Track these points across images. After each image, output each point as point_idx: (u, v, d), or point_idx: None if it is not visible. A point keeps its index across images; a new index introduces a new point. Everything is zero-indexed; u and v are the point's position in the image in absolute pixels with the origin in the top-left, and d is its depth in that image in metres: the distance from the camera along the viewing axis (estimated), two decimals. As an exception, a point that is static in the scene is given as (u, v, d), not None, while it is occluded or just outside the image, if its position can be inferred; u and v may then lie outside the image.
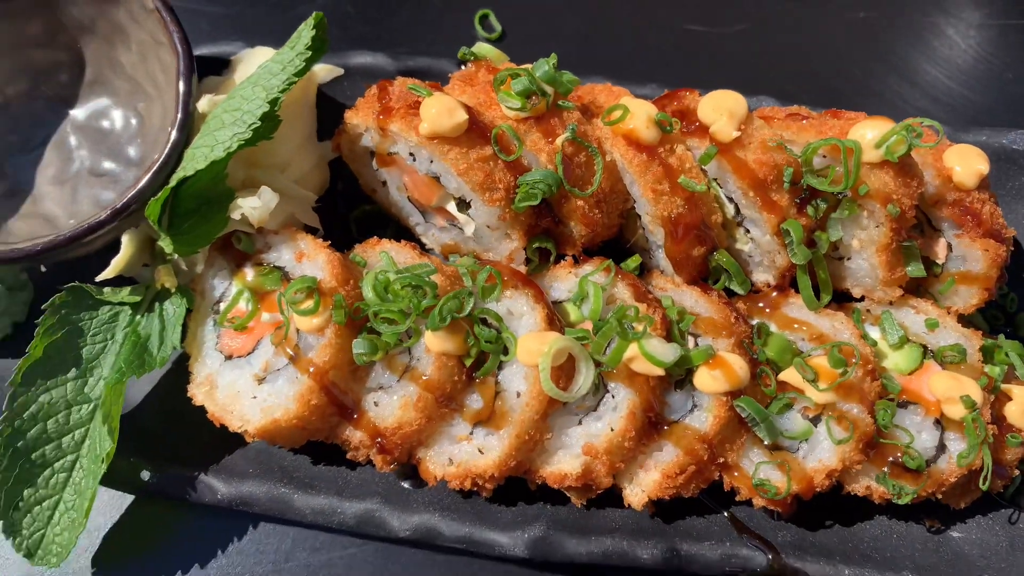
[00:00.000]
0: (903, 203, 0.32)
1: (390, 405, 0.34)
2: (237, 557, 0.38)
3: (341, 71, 0.40)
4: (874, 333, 0.36)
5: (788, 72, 0.42)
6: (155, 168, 0.34)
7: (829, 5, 0.44)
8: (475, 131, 0.33)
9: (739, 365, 0.32)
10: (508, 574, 0.38)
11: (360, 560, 0.37)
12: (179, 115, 0.35)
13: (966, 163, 0.35)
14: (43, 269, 0.41)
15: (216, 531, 0.38)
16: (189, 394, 0.36)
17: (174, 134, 0.35)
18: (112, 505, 0.38)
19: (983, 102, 0.44)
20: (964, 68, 0.44)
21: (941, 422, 0.35)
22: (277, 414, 0.34)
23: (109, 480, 0.36)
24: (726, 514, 0.36)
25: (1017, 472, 0.36)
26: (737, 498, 0.34)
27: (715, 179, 0.34)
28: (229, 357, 0.35)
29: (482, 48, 0.36)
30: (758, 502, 0.33)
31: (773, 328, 0.34)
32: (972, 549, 0.36)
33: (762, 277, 0.36)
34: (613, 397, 0.33)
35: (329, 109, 0.39)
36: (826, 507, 0.36)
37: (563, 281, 0.35)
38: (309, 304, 0.33)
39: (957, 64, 0.44)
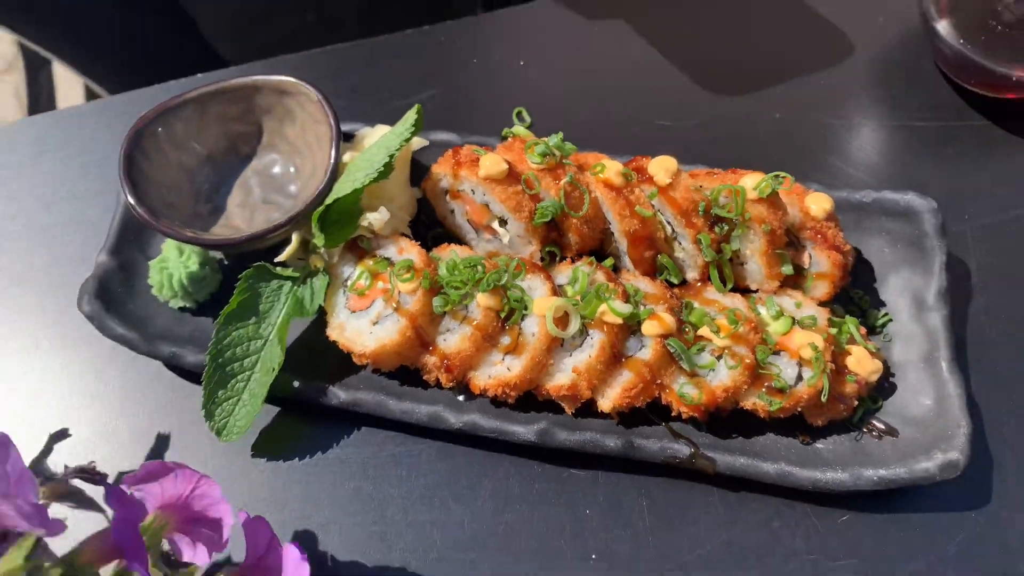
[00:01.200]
0: (773, 224, 0.50)
1: (454, 340, 0.51)
2: (348, 448, 0.54)
3: (427, 143, 0.60)
4: (761, 310, 0.53)
5: (723, 149, 0.60)
6: (315, 195, 0.53)
7: (758, 104, 0.62)
8: (512, 176, 0.52)
9: (670, 319, 0.49)
10: (522, 465, 0.53)
11: (427, 452, 0.54)
12: (331, 165, 0.54)
13: (818, 203, 0.54)
14: (226, 262, 0.59)
15: (335, 430, 0.55)
16: (327, 334, 0.53)
17: (328, 176, 0.54)
18: (267, 412, 0.55)
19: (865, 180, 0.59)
20: (860, 159, 0.61)
21: (799, 363, 0.51)
22: (384, 343, 0.52)
23: (273, 387, 0.53)
24: (664, 424, 0.52)
25: (856, 403, 0.52)
26: (671, 414, 0.50)
27: (658, 210, 0.53)
28: (353, 311, 0.53)
29: (517, 129, 0.56)
30: (684, 411, 0.49)
31: (696, 304, 0.52)
32: (828, 454, 0.52)
33: (691, 275, 0.53)
34: (591, 337, 0.51)
35: (418, 166, 0.58)
36: (730, 424, 0.51)
37: (563, 272, 0.53)
38: (407, 276, 0.52)
39: (851, 154, 0.61)
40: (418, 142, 0.57)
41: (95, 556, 0.32)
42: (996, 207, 0.60)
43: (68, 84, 1.43)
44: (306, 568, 0.39)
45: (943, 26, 0.60)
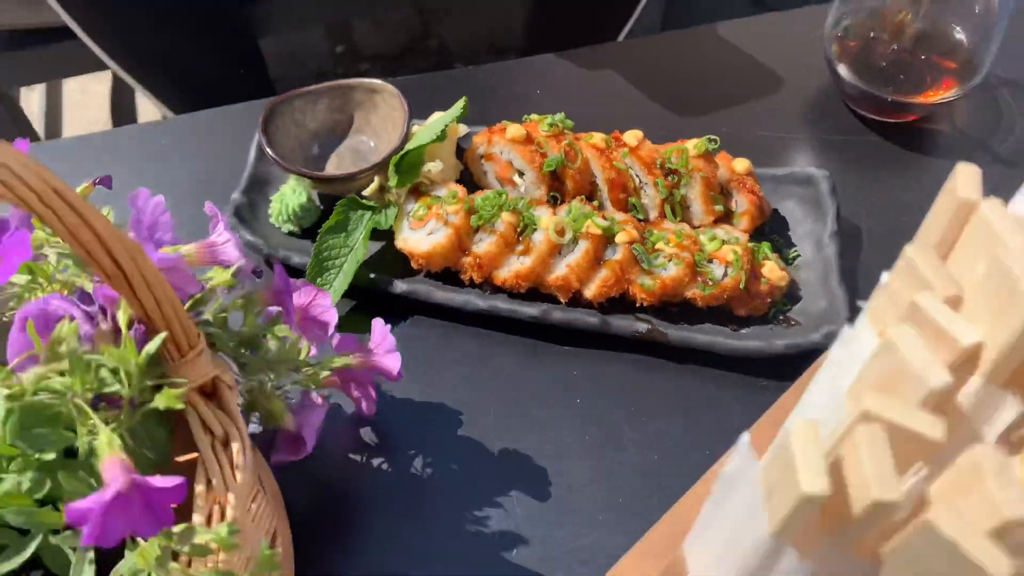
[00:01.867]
0: (708, 173, 0.72)
1: (484, 245, 0.72)
2: (404, 328, 0.73)
3: (468, 130, 0.84)
4: (701, 237, 0.74)
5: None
6: (392, 151, 0.76)
7: (711, 122, 0.86)
8: (528, 140, 0.76)
9: (635, 232, 0.70)
10: (529, 342, 0.72)
11: (459, 332, 0.73)
12: (404, 132, 0.77)
13: (741, 164, 0.75)
14: (321, 206, 0.81)
15: (393, 319, 0.75)
16: (395, 245, 0.74)
17: (401, 140, 0.77)
18: (345, 305, 0.76)
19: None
20: (783, 157, 0.82)
21: (726, 265, 0.71)
22: (435, 246, 0.72)
23: (355, 277, 0.73)
24: (631, 315, 0.71)
25: (770, 301, 0.71)
26: (636, 305, 0.70)
27: (629, 166, 0.75)
28: (414, 229, 0.75)
29: (534, 115, 0.80)
30: (644, 299, 0.69)
31: (655, 231, 0.73)
32: (750, 333, 0.71)
33: (652, 215, 0.75)
34: (579, 245, 0.72)
35: (459, 149, 0.81)
36: (678, 316, 0.70)
37: (561, 209, 0.75)
38: (454, 201, 0.74)
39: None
40: (462, 129, 0.81)
41: (263, 302, 0.53)
42: (886, 191, 0.82)
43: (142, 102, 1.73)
44: (387, 330, 0.58)
45: (843, 69, 0.84)
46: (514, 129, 0.73)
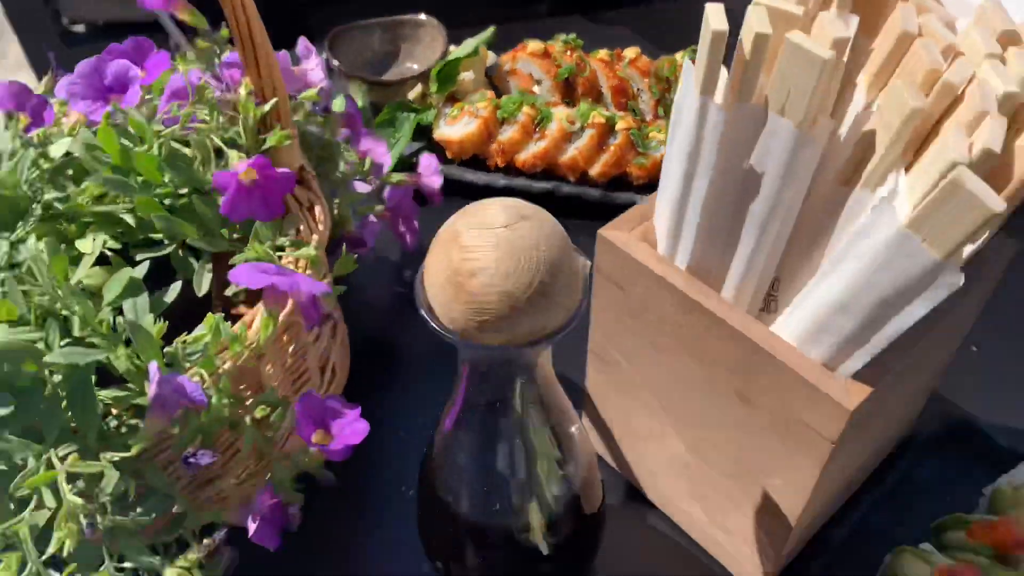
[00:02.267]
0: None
1: (508, 132, 0.87)
2: (435, 207, 0.88)
3: (495, 57, 1.00)
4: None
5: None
6: (434, 63, 0.93)
7: None
8: (546, 55, 0.91)
9: (632, 121, 0.85)
10: None
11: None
12: (444, 50, 0.94)
13: None
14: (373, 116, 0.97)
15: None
16: (433, 136, 0.90)
17: (441, 56, 0.94)
18: None
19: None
20: None
21: None
22: (467, 133, 0.88)
23: (399, 162, 0.88)
24: (630, 193, 0.85)
25: None
26: (632, 184, 0.84)
27: (629, 76, 0.91)
28: (449, 125, 0.90)
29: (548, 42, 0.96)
30: (639, 177, 0.83)
31: (649, 127, 0.88)
32: None
33: (648, 116, 0.90)
34: (585, 132, 0.87)
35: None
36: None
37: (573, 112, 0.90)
38: (483, 101, 0.89)
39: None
40: (490, 57, 0.97)
41: (339, 122, 0.68)
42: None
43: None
44: (433, 158, 0.73)
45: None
46: (534, 44, 0.89)
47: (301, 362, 0.51)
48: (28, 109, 0.56)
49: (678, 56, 0.86)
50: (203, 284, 0.51)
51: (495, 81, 0.94)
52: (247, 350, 0.42)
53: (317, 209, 0.59)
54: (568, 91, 0.90)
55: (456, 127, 0.87)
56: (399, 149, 0.85)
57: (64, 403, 0.36)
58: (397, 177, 0.70)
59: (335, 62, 0.89)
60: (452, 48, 0.93)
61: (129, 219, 0.50)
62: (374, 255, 0.77)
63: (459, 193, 0.88)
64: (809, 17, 0.37)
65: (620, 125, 0.84)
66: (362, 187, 0.68)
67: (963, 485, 0.61)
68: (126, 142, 0.51)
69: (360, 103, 0.90)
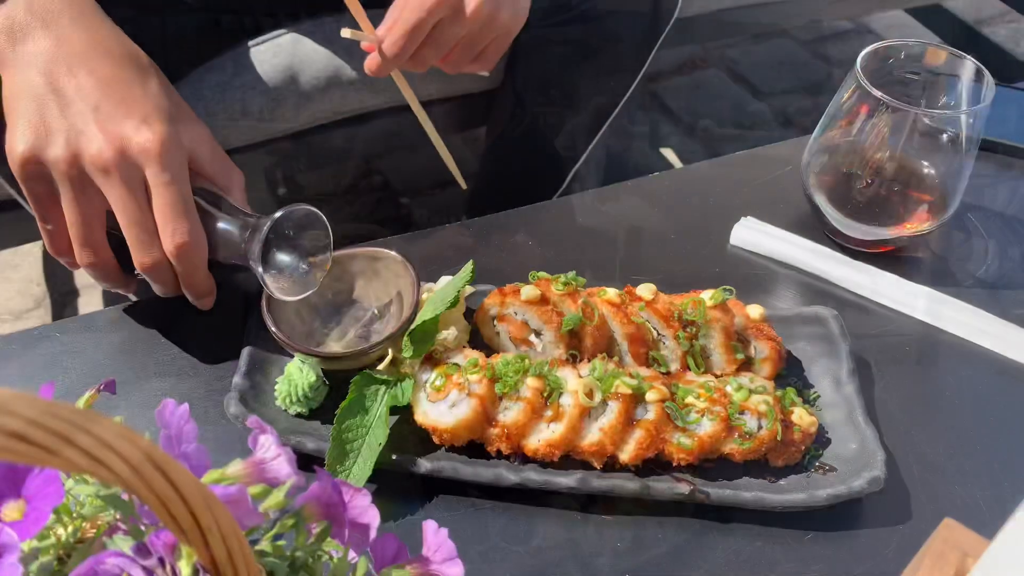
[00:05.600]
0: (726, 322, 0.72)
1: (511, 414, 0.68)
2: (429, 510, 0.67)
3: (473, 290, 0.82)
4: (727, 388, 0.73)
5: (683, 288, 0.84)
6: (405, 322, 0.74)
7: (704, 263, 0.85)
8: (543, 300, 0.74)
9: (665, 389, 0.69)
10: (564, 515, 0.67)
11: (491, 509, 0.68)
12: (415, 302, 0.74)
13: (754, 310, 0.76)
14: (327, 383, 0.77)
15: (418, 500, 0.70)
16: (415, 420, 0.70)
17: (413, 310, 0.74)
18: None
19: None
20: (778, 292, 0.84)
21: (758, 417, 0.70)
22: (460, 419, 0.68)
23: (377, 461, 0.68)
24: (668, 473, 0.69)
25: (804, 448, 0.70)
26: (673, 465, 0.68)
27: (646, 319, 0.75)
28: (433, 402, 0.71)
29: (541, 273, 0.79)
30: (681, 459, 0.67)
31: (680, 384, 0.72)
32: (789, 486, 0.69)
33: (674, 367, 0.74)
34: (610, 406, 0.70)
35: (467, 308, 0.79)
36: (715, 472, 0.68)
37: (584, 367, 0.74)
38: (475, 369, 0.71)
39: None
40: (467, 289, 0.79)
41: (314, 516, 0.49)
42: (880, 320, 0.84)
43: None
44: (444, 534, 0.54)
45: (822, 203, 0.87)
46: (529, 290, 0.72)
47: None
48: None
49: (706, 295, 0.71)
50: None
51: (478, 324, 0.77)
52: None
53: None
54: (574, 340, 0.73)
55: (443, 407, 0.68)
56: (373, 453, 0.66)
57: None
58: (402, 576, 0.51)
59: (277, 331, 0.69)
60: (424, 288, 0.75)
61: None
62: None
63: (455, 491, 0.69)
64: None
65: (652, 396, 0.67)
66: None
67: None
68: None
69: (308, 381, 0.70)
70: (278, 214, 0.69)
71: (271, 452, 0.47)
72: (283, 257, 0.73)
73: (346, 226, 1.71)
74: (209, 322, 0.79)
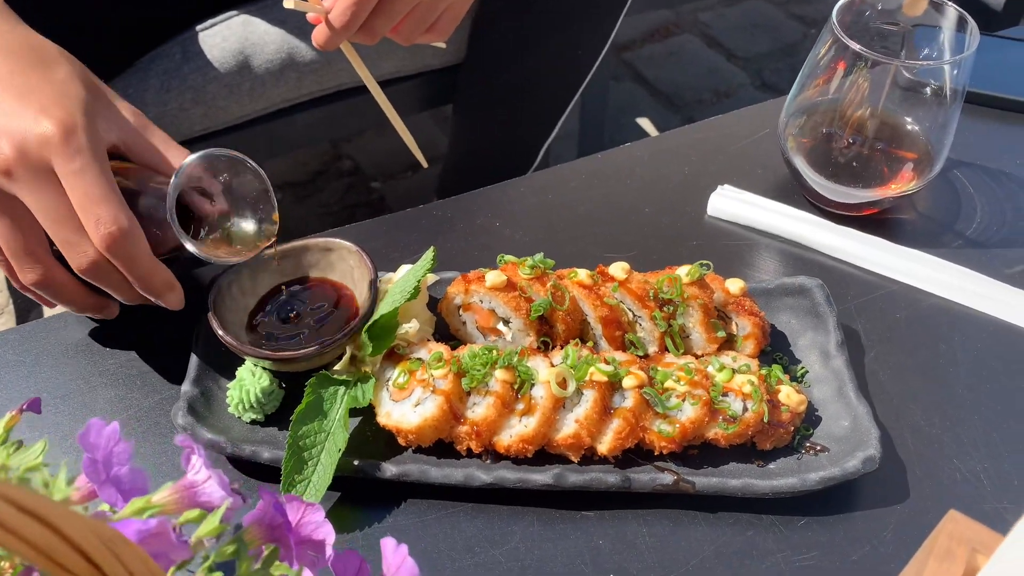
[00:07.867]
0: (705, 299, 0.67)
1: (480, 410, 0.64)
2: (398, 516, 0.63)
3: (437, 278, 0.77)
4: (708, 368, 0.69)
5: (657, 264, 0.79)
6: (362, 316, 0.69)
7: (678, 243, 0.80)
8: (510, 285, 0.69)
9: (643, 374, 0.64)
10: (542, 513, 0.63)
11: (463, 512, 0.64)
12: (372, 294, 0.70)
13: (734, 284, 0.71)
14: (283, 386, 0.72)
15: (385, 506, 0.65)
16: (377, 422, 0.65)
17: (370, 303, 0.69)
18: (329, 498, 0.66)
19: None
20: (758, 264, 0.79)
21: (743, 398, 0.66)
22: (426, 418, 0.63)
23: (337, 468, 0.64)
24: (650, 464, 0.65)
25: (792, 429, 0.66)
26: (655, 453, 0.64)
27: (620, 300, 0.70)
28: (396, 401, 0.67)
29: (508, 256, 0.74)
30: (663, 447, 0.62)
31: (659, 367, 0.68)
32: (779, 469, 0.65)
33: (651, 349, 0.70)
34: (585, 395, 0.65)
35: (431, 298, 0.74)
36: (700, 459, 0.63)
37: (556, 355, 0.69)
38: (439, 364, 0.66)
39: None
40: (431, 278, 0.74)
41: (257, 541, 0.44)
42: (866, 287, 0.79)
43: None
44: (404, 551, 0.50)
45: (801, 166, 0.83)
46: (494, 276, 0.67)
47: None
48: None
49: (682, 272, 0.66)
50: None
51: (443, 314, 0.72)
52: None
53: None
54: (545, 326, 0.69)
55: (407, 406, 0.64)
56: (333, 459, 0.61)
57: None
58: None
59: (223, 334, 0.64)
60: (383, 279, 0.70)
61: None
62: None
63: (424, 494, 0.65)
64: None
65: (629, 382, 0.63)
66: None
67: None
68: None
69: (261, 386, 0.65)
70: (186, 161, 0.63)
71: (202, 475, 0.42)
72: (213, 213, 0.66)
73: (315, 215, 1.65)
74: (161, 326, 0.74)
